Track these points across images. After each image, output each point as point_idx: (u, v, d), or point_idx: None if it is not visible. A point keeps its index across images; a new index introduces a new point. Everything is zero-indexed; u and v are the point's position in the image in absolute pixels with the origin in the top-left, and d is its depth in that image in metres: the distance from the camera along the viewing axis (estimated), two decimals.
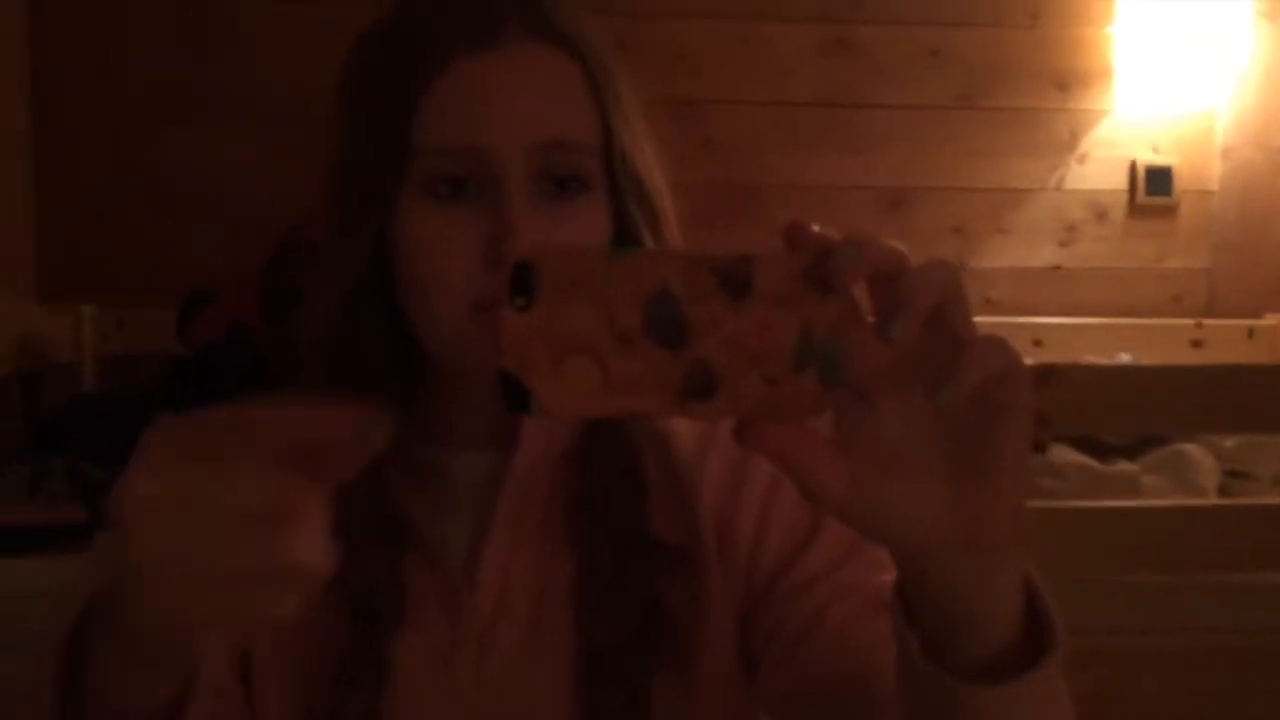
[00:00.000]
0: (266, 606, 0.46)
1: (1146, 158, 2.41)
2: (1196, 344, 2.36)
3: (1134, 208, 2.42)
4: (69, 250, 2.19)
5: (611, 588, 0.77)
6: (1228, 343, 2.34)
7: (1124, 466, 1.67)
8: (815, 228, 0.49)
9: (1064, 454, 1.68)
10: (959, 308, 0.48)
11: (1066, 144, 2.41)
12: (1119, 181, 2.42)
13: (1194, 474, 1.68)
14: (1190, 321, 2.38)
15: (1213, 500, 1.65)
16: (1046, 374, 1.42)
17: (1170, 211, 2.43)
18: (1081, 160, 2.41)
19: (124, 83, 2.20)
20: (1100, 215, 2.43)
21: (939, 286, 0.47)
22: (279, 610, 0.47)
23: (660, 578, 0.78)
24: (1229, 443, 1.76)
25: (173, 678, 0.55)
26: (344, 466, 0.47)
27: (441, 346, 0.76)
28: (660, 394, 0.48)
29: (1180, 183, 2.42)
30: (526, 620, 0.79)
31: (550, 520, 0.80)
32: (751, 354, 0.48)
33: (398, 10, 0.78)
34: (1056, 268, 2.43)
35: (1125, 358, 2.15)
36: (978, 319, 0.48)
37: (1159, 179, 2.40)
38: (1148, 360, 2.14)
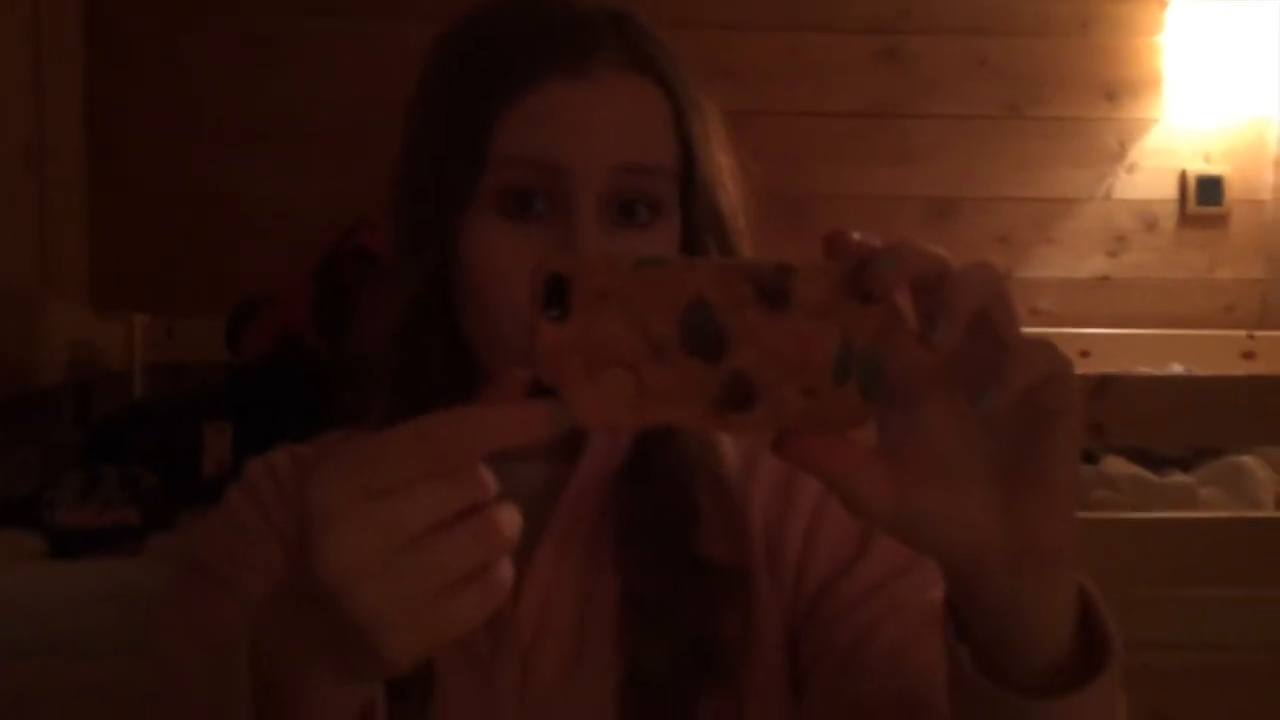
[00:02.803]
0: (501, 589, 0.47)
1: (1197, 167, 2.39)
2: (1248, 355, 2.33)
3: (1185, 217, 2.40)
4: (121, 261, 2.22)
5: (659, 614, 0.75)
6: None
7: (1180, 478, 1.64)
8: (855, 235, 0.48)
9: (1118, 465, 1.65)
10: (1003, 311, 0.47)
11: (1115, 154, 2.39)
12: (1169, 191, 2.40)
13: (1251, 486, 1.65)
14: (1242, 333, 2.35)
15: (1271, 512, 1.62)
16: (1103, 384, 1.40)
17: (1222, 221, 2.41)
18: (1130, 170, 2.40)
19: (176, 98, 2.23)
20: (1150, 225, 2.41)
21: (981, 290, 0.46)
22: (507, 587, 0.47)
23: (711, 603, 0.77)
24: None
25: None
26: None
27: (500, 362, 0.75)
28: (696, 405, 0.47)
29: (1232, 192, 2.39)
30: (568, 640, 0.77)
31: (597, 541, 0.79)
32: (790, 365, 0.47)
33: (486, 22, 0.77)
34: (1105, 278, 2.40)
35: (1178, 368, 2.12)
36: (1024, 329, 0.48)
37: (1210, 188, 2.38)
38: (1199, 372, 2.11)
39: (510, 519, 0.47)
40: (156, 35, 2.23)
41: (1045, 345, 0.47)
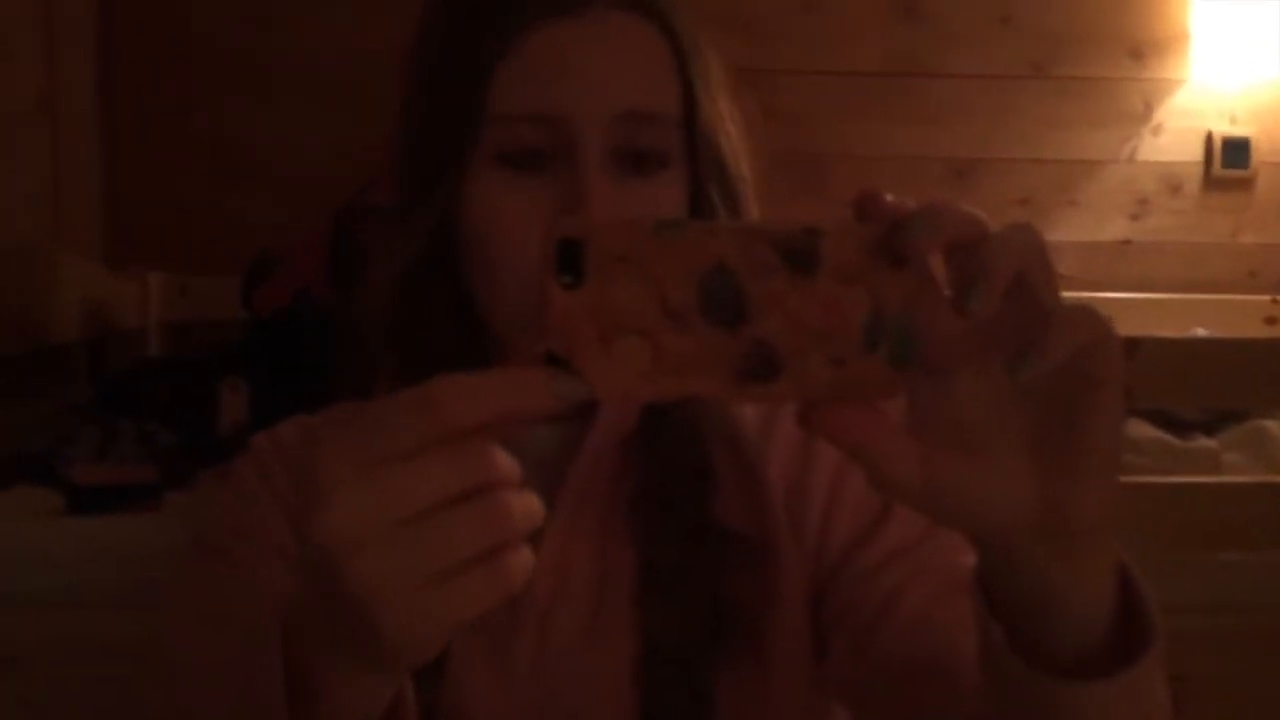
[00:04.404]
0: (510, 578, 0.44)
1: (1223, 128, 2.35)
2: (1271, 321, 2.30)
3: (1209, 180, 2.36)
4: (135, 218, 2.20)
5: (676, 585, 0.74)
6: None
7: (1204, 442, 1.62)
8: (888, 196, 0.46)
9: (1140, 428, 1.64)
10: (1043, 275, 0.44)
11: (1140, 114, 2.35)
12: (1194, 153, 2.36)
13: (1274, 450, 1.64)
14: (1265, 298, 2.31)
15: None
16: (1131, 345, 1.39)
17: (1247, 184, 2.37)
18: (1155, 131, 2.36)
19: (189, 53, 2.21)
20: (1174, 188, 2.37)
21: (1021, 253, 0.44)
22: (520, 577, 0.45)
23: (728, 570, 0.75)
24: None
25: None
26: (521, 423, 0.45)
27: (506, 321, 0.74)
28: (716, 376, 0.45)
29: (1258, 154, 2.35)
30: (585, 608, 0.76)
31: (612, 506, 0.77)
32: (817, 333, 0.45)
33: None
34: (1127, 242, 2.37)
35: (1201, 333, 2.09)
36: None
37: (1236, 150, 2.34)
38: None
39: (527, 505, 0.45)
40: None
41: (1087, 311, 0.45)
